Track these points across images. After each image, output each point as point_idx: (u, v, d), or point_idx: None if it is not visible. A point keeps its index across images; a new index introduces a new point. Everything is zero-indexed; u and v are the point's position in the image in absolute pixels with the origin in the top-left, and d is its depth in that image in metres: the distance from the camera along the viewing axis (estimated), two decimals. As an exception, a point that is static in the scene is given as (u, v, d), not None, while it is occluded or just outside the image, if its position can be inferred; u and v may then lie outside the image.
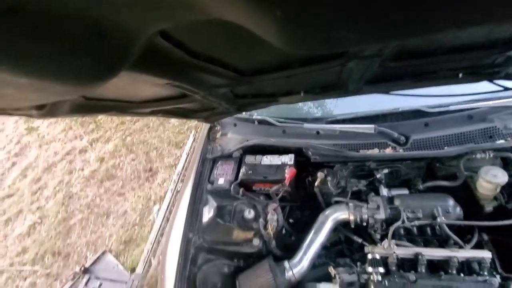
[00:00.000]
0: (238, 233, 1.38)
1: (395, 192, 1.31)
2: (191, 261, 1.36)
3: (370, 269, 1.07)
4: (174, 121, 4.06)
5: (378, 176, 1.38)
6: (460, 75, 1.02)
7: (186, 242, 1.37)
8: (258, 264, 1.30)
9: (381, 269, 1.06)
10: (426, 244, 1.19)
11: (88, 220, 3.12)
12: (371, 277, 1.05)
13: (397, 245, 1.15)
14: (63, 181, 3.67)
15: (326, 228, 1.33)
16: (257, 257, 1.35)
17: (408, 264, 1.12)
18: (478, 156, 1.21)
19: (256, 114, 1.70)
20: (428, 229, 1.22)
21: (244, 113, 1.76)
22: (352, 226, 1.32)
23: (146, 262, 2.48)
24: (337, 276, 1.14)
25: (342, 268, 1.18)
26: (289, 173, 1.44)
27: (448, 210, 1.17)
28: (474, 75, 1.03)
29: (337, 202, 1.38)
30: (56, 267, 2.80)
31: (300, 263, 1.28)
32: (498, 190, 1.15)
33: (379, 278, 1.04)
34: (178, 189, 2.89)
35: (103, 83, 0.47)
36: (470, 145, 1.20)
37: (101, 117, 4.41)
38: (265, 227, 1.36)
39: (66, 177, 3.71)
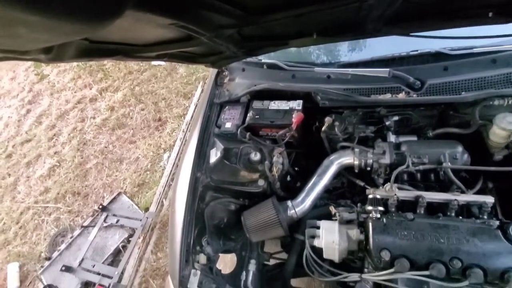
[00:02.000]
0: (244, 174, 1.42)
1: (403, 139, 1.30)
2: (199, 198, 1.44)
3: (369, 207, 1.11)
4: (182, 71, 3.99)
5: (387, 123, 1.35)
6: (490, 14, 0.93)
7: (194, 180, 1.43)
8: (262, 202, 1.37)
9: (380, 208, 1.10)
10: (428, 189, 1.21)
11: (103, 164, 3.29)
12: (370, 215, 1.10)
13: (399, 188, 1.17)
14: (76, 128, 3.79)
15: (330, 171, 1.36)
16: (262, 197, 1.42)
17: (408, 206, 1.15)
18: (496, 102, 1.16)
19: (265, 58, 1.64)
20: (432, 175, 1.22)
21: (252, 57, 1.70)
22: (356, 170, 1.34)
23: (159, 203, 2.65)
24: (336, 214, 1.19)
25: (342, 208, 1.23)
26: (296, 117, 1.43)
27: (455, 156, 1.16)
28: (505, 15, 0.93)
29: (343, 148, 1.38)
30: (76, 205, 3.03)
31: (302, 203, 1.34)
32: (511, 138, 1.12)
33: (378, 215, 1.08)
34: (187, 138, 2.95)
35: (111, 21, 0.48)
36: (490, 90, 1.14)
37: (109, 66, 4.36)
38: (270, 169, 1.39)
39: (79, 125, 3.81)
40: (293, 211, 1.31)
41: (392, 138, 1.31)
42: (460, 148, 1.17)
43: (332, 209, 1.22)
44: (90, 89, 4.22)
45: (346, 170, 1.41)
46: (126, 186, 2.97)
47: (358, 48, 1.43)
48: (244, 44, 1.21)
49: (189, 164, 1.47)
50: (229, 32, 1.02)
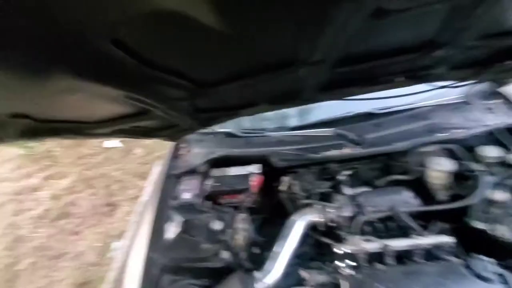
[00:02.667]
0: (205, 247, 1.30)
1: (357, 190, 1.36)
2: (155, 284, 1.24)
3: (340, 264, 1.06)
4: (139, 151, 3.92)
5: (340, 178, 1.43)
6: (399, 79, 1.15)
7: (148, 263, 1.26)
8: (227, 279, 1.22)
9: (351, 262, 1.05)
10: (391, 237, 1.22)
11: (38, 264, 2.74)
12: (342, 272, 1.04)
13: (364, 240, 1.16)
14: (10, 223, 3.25)
15: (296, 232, 1.31)
16: (227, 273, 1.27)
17: (376, 258, 1.12)
18: (425, 149, 1.32)
19: (220, 128, 1.72)
20: (392, 224, 1.25)
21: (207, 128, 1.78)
22: (322, 228, 1.32)
23: (105, 305, 2.19)
24: (309, 279, 1.10)
25: (313, 270, 1.15)
26: (256, 180, 1.44)
27: (406, 201, 1.23)
28: (411, 79, 1.17)
29: (304, 206, 1.38)
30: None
31: (271, 272, 1.22)
32: (450, 179, 1.25)
33: (350, 271, 1.03)
34: (141, 217, 2.70)
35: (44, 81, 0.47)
36: (416, 139, 1.31)
37: (57, 152, 4.13)
38: (234, 238, 1.30)
39: (14, 219, 3.29)
40: (261, 284, 1.18)
41: (347, 191, 1.36)
42: (408, 194, 1.25)
43: (303, 273, 1.13)
44: (33, 177, 3.84)
45: (312, 229, 1.37)
46: (64, 289, 2.45)
47: (304, 113, 1.60)
48: (198, 115, 1.27)
49: (142, 244, 1.31)
50: (183, 105, 1.07)
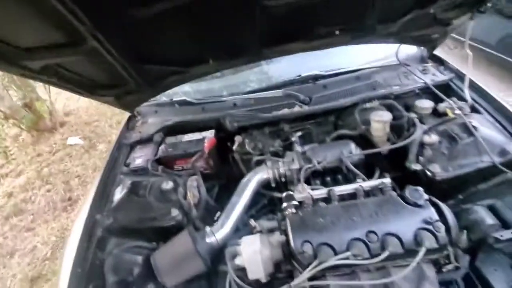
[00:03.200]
0: (155, 206, 1.26)
1: (307, 147, 1.40)
2: (98, 245, 1.18)
3: (284, 204, 1.07)
4: (102, 147, 3.77)
5: (293, 139, 1.46)
6: (337, 31, 1.22)
7: (91, 223, 1.20)
8: (176, 235, 1.19)
9: (295, 202, 1.07)
10: (337, 185, 1.26)
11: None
12: (286, 212, 1.05)
13: (311, 189, 1.19)
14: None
15: (248, 190, 1.31)
16: (177, 233, 1.24)
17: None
18: (368, 105, 1.40)
19: (175, 98, 1.71)
20: (338, 173, 1.29)
21: (163, 98, 1.76)
22: (273, 184, 1.34)
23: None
24: (257, 226, 1.10)
25: (262, 220, 1.16)
26: (208, 142, 1.43)
27: (351, 151, 1.28)
28: (349, 32, 1.24)
29: (257, 163, 1.39)
30: None
31: (222, 227, 1.21)
32: (387, 129, 1.32)
33: (293, 210, 1.04)
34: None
35: None
36: (359, 95, 1.39)
37: (14, 150, 3.86)
38: (185, 197, 1.28)
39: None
40: (213, 237, 1.16)
41: (298, 148, 1.39)
42: (353, 145, 1.31)
43: (252, 222, 1.13)
44: (-17, 177, 3.54)
45: (265, 187, 1.38)
46: (15, 284, 2.24)
47: (256, 80, 1.63)
48: (142, 67, 1.21)
49: (87, 207, 1.25)
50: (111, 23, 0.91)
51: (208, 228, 1.18)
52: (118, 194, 1.31)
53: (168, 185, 1.30)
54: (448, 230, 0.93)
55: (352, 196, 1.13)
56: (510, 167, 1.07)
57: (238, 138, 1.41)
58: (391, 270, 0.91)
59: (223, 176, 1.59)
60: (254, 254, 0.99)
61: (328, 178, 1.33)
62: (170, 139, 1.57)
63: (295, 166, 1.28)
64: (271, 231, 1.09)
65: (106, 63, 1.04)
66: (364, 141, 1.40)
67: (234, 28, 1.08)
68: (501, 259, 1.01)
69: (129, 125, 1.71)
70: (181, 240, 1.14)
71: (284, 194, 1.12)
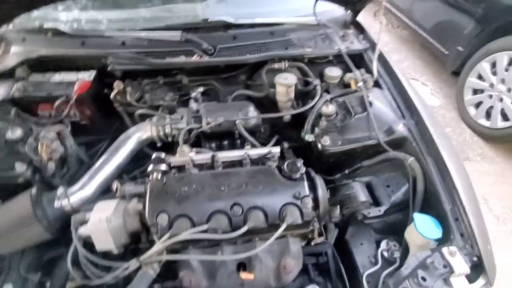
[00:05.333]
0: (-4, 159, 0.99)
1: (202, 105, 1.22)
2: None
3: (150, 167, 0.91)
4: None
5: (193, 95, 1.26)
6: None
7: None
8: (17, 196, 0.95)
9: (162, 167, 0.92)
10: (226, 150, 1.14)
11: None
12: (149, 177, 0.89)
13: (196, 153, 1.04)
14: None
15: (125, 148, 1.11)
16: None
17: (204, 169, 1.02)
18: (277, 66, 1.26)
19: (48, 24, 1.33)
20: (228, 137, 1.17)
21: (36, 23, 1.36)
22: (159, 144, 1.16)
23: None
24: (119, 189, 0.93)
25: (129, 183, 0.98)
26: (79, 85, 1.15)
27: (247, 114, 1.15)
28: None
29: (141, 117, 1.18)
30: None
31: (82, 189, 1.01)
32: (291, 95, 1.21)
33: (159, 176, 0.89)
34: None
35: None
36: (270, 53, 1.23)
37: None
38: (36, 150, 1.02)
39: None
40: (65, 201, 0.96)
41: (193, 105, 1.21)
42: (251, 107, 1.17)
43: (115, 183, 0.95)
44: None
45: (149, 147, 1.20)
46: None
47: (154, 18, 1.34)
48: None
49: None
50: None
51: (60, 189, 0.97)
52: None
53: (14, 133, 1.02)
54: (317, 206, 0.90)
55: (240, 164, 1.02)
56: (393, 146, 1.06)
57: (117, 85, 1.15)
58: (257, 244, 0.86)
59: (110, 131, 1.35)
60: (100, 222, 0.83)
61: (226, 143, 1.20)
62: (36, 77, 1.24)
63: (182, 124, 1.11)
64: (135, 196, 0.93)
65: None
66: (271, 105, 1.29)
67: None
68: (368, 234, 1.04)
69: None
70: (20, 202, 0.92)
71: (154, 155, 0.96)
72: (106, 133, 1.32)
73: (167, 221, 0.80)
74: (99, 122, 1.29)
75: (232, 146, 1.19)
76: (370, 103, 1.12)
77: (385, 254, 0.99)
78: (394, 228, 1.04)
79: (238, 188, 0.86)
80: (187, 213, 0.82)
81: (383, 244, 1.00)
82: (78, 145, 1.22)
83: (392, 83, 1.20)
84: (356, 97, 1.16)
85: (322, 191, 0.90)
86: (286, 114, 1.16)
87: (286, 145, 1.25)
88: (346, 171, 1.16)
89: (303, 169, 0.91)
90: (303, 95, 1.29)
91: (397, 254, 0.98)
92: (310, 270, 0.98)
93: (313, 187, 0.91)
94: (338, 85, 1.26)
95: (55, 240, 0.95)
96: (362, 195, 1.01)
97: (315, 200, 0.89)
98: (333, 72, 1.23)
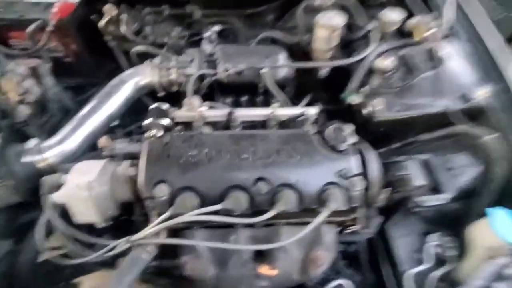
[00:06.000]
0: None
1: (219, 47, 0.95)
2: None
3: (147, 121, 0.68)
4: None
5: (206, 34, 0.98)
6: None
7: None
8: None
9: (164, 122, 0.68)
10: (247, 106, 0.90)
11: None
12: (147, 134, 0.66)
13: (209, 108, 0.80)
14: None
15: (119, 96, 0.87)
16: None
17: (219, 128, 0.79)
18: (318, 2, 0.95)
19: None
20: (251, 90, 0.91)
21: None
22: (161, 93, 0.91)
23: None
24: (108, 146, 0.71)
25: (123, 140, 0.76)
26: (60, 6, 0.88)
27: (276, 62, 0.88)
28: None
29: (139, 56, 0.92)
30: None
31: (62, 143, 0.79)
32: (334, 42, 0.92)
33: (160, 133, 0.66)
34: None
35: None
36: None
37: None
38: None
39: None
40: (39, 155, 0.75)
41: (207, 47, 0.94)
42: (282, 54, 0.90)
43: (103, 140, 0.73)
44: None
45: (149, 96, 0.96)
46: None
47: None
48: None
49: None
50: None
51: (33, 141, 0.76)
52: None
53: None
54: (367, 188, 0.68)
55: (263, 126, 0.79)
56: (467, 117, 0.80)
57: (109, 9, 0.87)
58: (282, 229, 0.66)
59: (103, 73, 1.09)
60: (78, 189, 0.62)
61: (245, 98, 0.95)
62: (7, -5, 0.96)
63: (192, 70, 0.85)
64: (128, 156, 0.71)
65: None
66: (301, 56, 1.01)
67: None
68: (415, 224, 0.84)
69: None
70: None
71: (153, 106, 0.72)
72: (98, 76, 1.07)
73: (167, 194, 0.59)
74: (88, 60, 1.03)
75: (251, 104, 0.94)
76: (441, 59, 0.84)
77: (435, 250, 0.79)
78: (449, 220, 0.83)
79: (266, 158, 0.63)
80: (195, 185, 0.60)
81: (434, 238, 0.80)
82: (64, 89, 0.99)
83: (471, 34, 0.90)
84: (422, 51, 0.87)
85: (376, 169, 0.68)
86: (333, 65, 0.88)
87: (320, 107, 1.00)
88: (396, 145, 0.92)
89: (353, 138, 0.67)
90: (345, 45, 1.00)
91: (450, 253, 0.78)
92: (337, 259, 0.80)
93: (363, 163, 0.68)
94: (397, 33, 0.96)
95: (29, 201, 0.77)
96: (418, 179, 0.78)
97: (365, 180, 0.67)
98: (393, 16, 0.93)
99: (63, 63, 1.01)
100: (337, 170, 0.64)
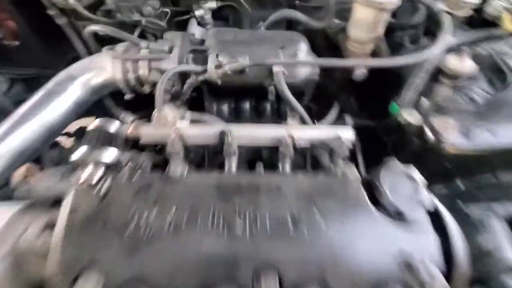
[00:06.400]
0: None
1: (212, 30, 0.66)
2: None
3: (81, 151, 0.41)
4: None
5: (197, 12, 0.70)
6: None
7: None
8: None
9: (109, 154, 0.41)
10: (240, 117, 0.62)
11: None
12: (79, 176, 0.39)
13: (190, 121, 0.53)
14: None
15: (65, 98, 0.60)
16: None
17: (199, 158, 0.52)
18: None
19: None
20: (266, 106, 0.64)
21: None
22: (128, 96, 0.64)
23: None
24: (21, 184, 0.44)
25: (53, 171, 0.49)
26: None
27: (296, 55, 0.59)
28: None
29: (99, 41, 0.64)
30: None
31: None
32: (379, 30, 0.63)
33: (97, 177, 0.39)
34: None
35: None
36: None
37: None
38: None
39: None
40: None
41: (196, 30, 0.66)
42: (303, 45, 0.61)
43: (19, 172, 0.47)
44: None
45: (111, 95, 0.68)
46: None
47: None
48: None
49: None
50: None
51: None
52: None
53: None
54: (450, 269, 0.41)
55: (271, 154, 0.52)
56: None
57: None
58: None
59: (63, 62, 0.81)
60: None
61: (247, 107, 0.68)
62: None
63: (167, 64, 0.57)
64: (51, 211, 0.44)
65: None
66: (326, 48, 0.72)
67: None
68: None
69: None
70: None
71: (94, 123, 0.44)
72: (56, 66, 0.79)
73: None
74: (37, 44, 0.75)
75: (256, 116, 0.66)
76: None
77: None
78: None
79: (280, 235, 0.36)
80: (147, 278, 0.33)
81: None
82: (9, 81, 0.73)
83: None
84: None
85: (461, 245, 0.40)
86: (387, 65, 0.59)
87: (349, 121, 0.71)
88: (459, 184, 0.63)
89: (428, 199, 0.39)
90: (398, 35, 0.70)
91: None
92: None
93: (441, 236, 0.40)
94: (475, 20, 0.66)
95: None
96: (509, 248, 0.50)
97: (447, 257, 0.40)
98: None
99: (3, 47, 0.74)
100: (401, 254, 0.36)
